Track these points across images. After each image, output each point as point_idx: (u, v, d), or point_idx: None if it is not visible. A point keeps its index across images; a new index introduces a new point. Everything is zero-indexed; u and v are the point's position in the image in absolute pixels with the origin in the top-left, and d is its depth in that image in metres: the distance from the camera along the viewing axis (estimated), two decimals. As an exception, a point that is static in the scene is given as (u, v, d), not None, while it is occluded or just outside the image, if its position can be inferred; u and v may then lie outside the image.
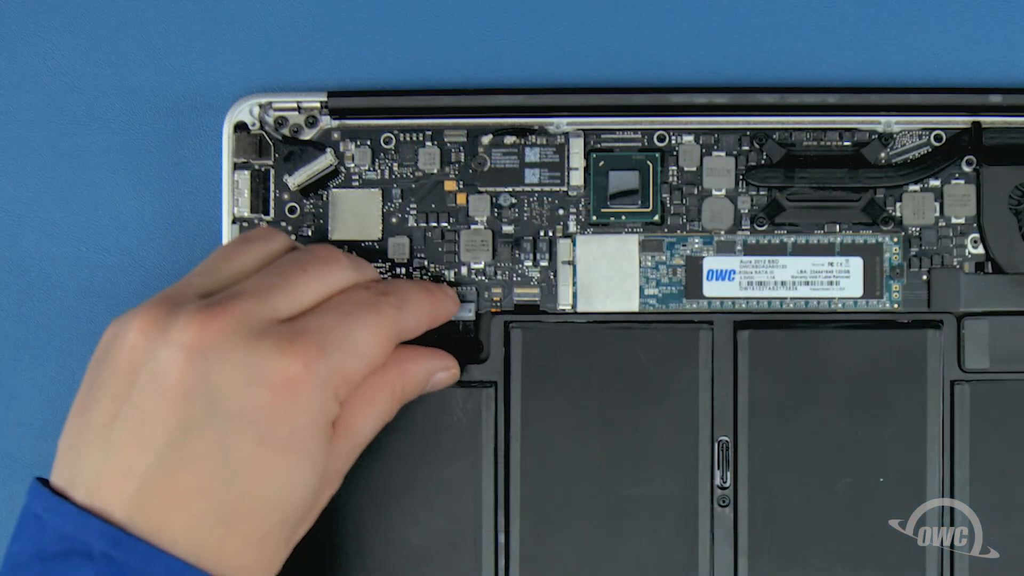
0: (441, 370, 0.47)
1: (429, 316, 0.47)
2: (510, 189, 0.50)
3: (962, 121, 0.49)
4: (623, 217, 0.50)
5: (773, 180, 0.49)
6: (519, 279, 0.50)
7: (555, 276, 0.50)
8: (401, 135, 0.50)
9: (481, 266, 0.50)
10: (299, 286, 0.44)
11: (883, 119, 0.49)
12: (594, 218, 0.50)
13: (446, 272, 0.50)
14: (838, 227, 0.49)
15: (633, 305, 0.50)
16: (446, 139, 0.50)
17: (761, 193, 0.50)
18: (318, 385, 0.42)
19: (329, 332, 0.43)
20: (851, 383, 0.49)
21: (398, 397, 0.46)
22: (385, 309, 0.45)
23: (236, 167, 0.50)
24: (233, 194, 0.50)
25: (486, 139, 0.50)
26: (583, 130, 0.50)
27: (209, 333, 0.41)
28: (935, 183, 0.49)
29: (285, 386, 0.42)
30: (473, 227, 0.50)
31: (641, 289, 0.50)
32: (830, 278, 0.49)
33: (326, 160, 0.50)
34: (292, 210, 0.50)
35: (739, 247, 0.50)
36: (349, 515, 0.49)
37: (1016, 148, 0.49)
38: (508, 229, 0.50)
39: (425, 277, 0.50)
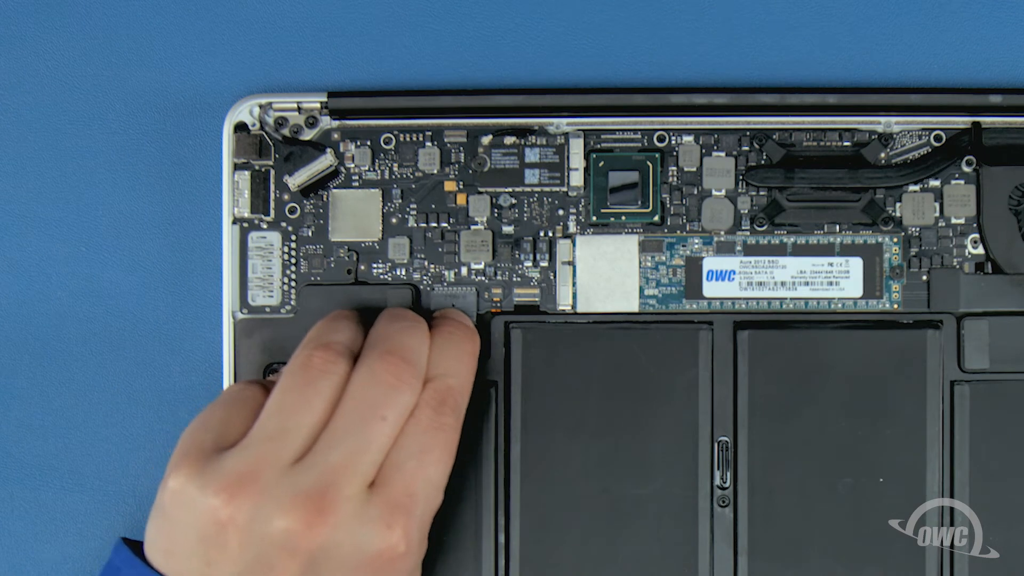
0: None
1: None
2: (510, 189, 0.50)
3: (962, 121, 0.49)
4: (623, 217, 0.50)
5: (773, 180, 0.49)
6: (519, 279, 0.50)
7: (555, 276, 0.50)
8: (401, 135, 0.50)
9: (481, 266, 0.50)
10: (380, 439, 0.44)
11: (883, 119, 0.49)
12: (594, 218, 0.50)
13: (446, 272, 0.50)
14: (838, 227, 0.49)
15: (633, 305, 0.50)
16: (446, 139, 0.50)
17: (761, 193, 0.50)
18: (416, 548, 0.45)
19: (413, 488, 0.44)
20: (851, 383, 0.49)
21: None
22: (447, 423, 0.46)
23: (236, 167, 0.50)
24: (233, 194, 0.50)
25: (486, 139, 0.50)
26: (583, 130, 0.50)
27: (318, 534, 0.43)
28: (935, 183, 0.49)
29: (389, 564, 0.44)
30: (473, 227, 0.50)
31: (641, 289, 0.50)
32: (830, 278, 0.49)
33: (326, 160, 0.50)
34: (292, 210, 0.50)
35: (739, 247, 0.50)
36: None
37: (1016, 148, 0.49)
38: (508, 229, 0.50)
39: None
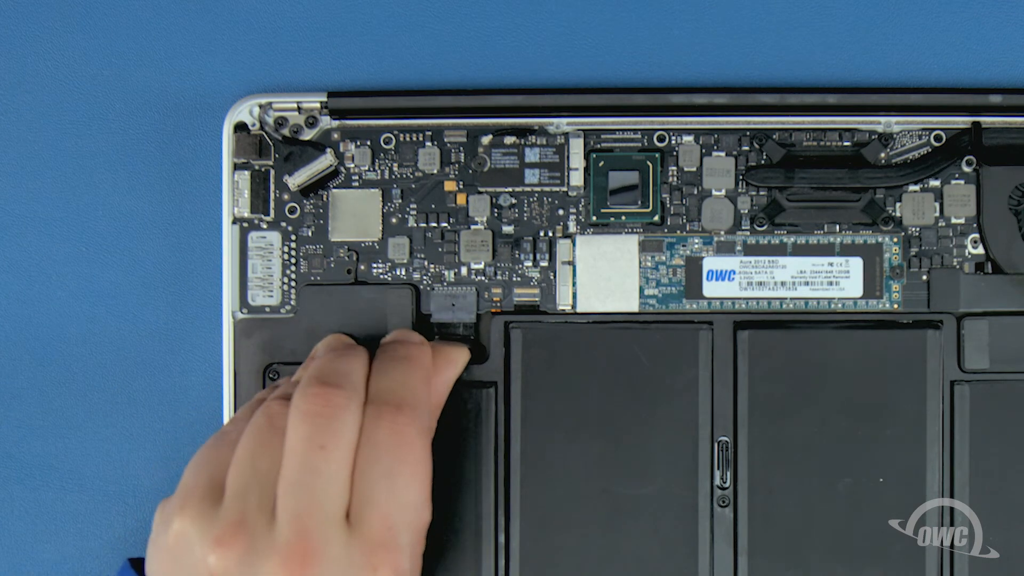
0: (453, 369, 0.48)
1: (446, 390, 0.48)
2: (510, 189, 0.50)
3: (962, 121, 0.49)
4: (623, 217, 0.50)
5: (773, 180, 0.49)
6: (519, 279, 0.50)
7: (555, 276, 0.50)
8: (401, 135, 0.50)
9: (481, 266, 0.50)
10: (329, 469, 0.43)
11: (883, 119, 0.49)
12: (594, 218, 0.50)
13: (446, 272, 0.50)
14: (838, 227, 0.49)
15: (633, 305, 0.50)
16: (446, 139, 0.50)
17: (761, 193, 0.50)
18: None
19: (390, 520, 0.44)
20: (851, 383, 0.49)
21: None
22: (407, 437, 0.45)
23: (236, 167, 0.50)
24: (233, 194, 0.50)
25: (486, 139, 0.50)
26: (583, 130, 0.50)
27: None
28: (935, 183, 0.49)
29: None
30: (473, 227, 0.50)
31: (641, 289, 0.50)
32: (830, 278, 0.49)
33: (326, 160, 0.50)
34: (292, 210, 0.50)
35: (739, 247, 0.50)
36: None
37: (1016, 148, 0.49)
38: (508, 229, 0.50)
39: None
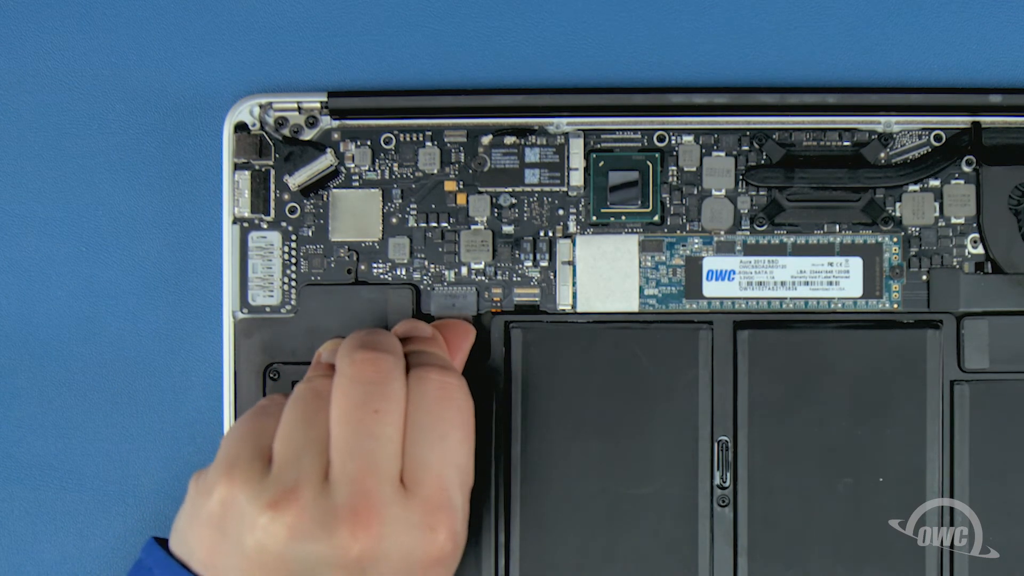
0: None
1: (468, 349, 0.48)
2: (510, 189, 0.50)
3: (962, 121, 0.49)
4: (623, 217, 0.50)
5: (773, 180, 0.49)
6: (519, 279, 0.50)
7: (555, 276, 0.50)
8: (401, 135, 0.50)
9: (481, 266, 0.50)
10: (384, 432, 0.44)
11: (883, 119, 0.49)
12: (594, 218, 0.50)
13: (446, 272, 0.50)
14: (838, 227, 0.49)
15: (633, 305, 0.50)
16: (446, 139, 0.50)
17: (761, 193, 0.50)
18: (463, 541, 0.45)
19: (445, 482, 0.44)
20: (851, 383, 0.49)
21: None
22: (456, 397, 0.45)
23: (236, 167, 0.50)
24: (233, 194, 0.50)
25: (486, 139, 0.50)
26: (583, 130, 0.50)
27: (365, 546, 0.43)
28: (935, 183, 0.49)
29: (439, 563, 0.44)
30: (473, 227, 0.50)
31: (641, 289, 0.50)
32: (830, 278, 0.49)
33: (326, 160, 0.50)
34: (292, 210, 0.50)
35: (739, 247, 0.50)
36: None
37: (1016, 148, 0.49)
38: (508, 229, 0.50)
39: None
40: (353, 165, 0.50)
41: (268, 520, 0.42)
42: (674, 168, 0.50)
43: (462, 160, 0.50)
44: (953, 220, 0.49)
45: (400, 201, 0.50)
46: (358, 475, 0.43)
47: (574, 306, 0.50)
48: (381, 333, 0.46)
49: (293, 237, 0.50)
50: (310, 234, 0.50)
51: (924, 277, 0.49)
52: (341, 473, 0.43)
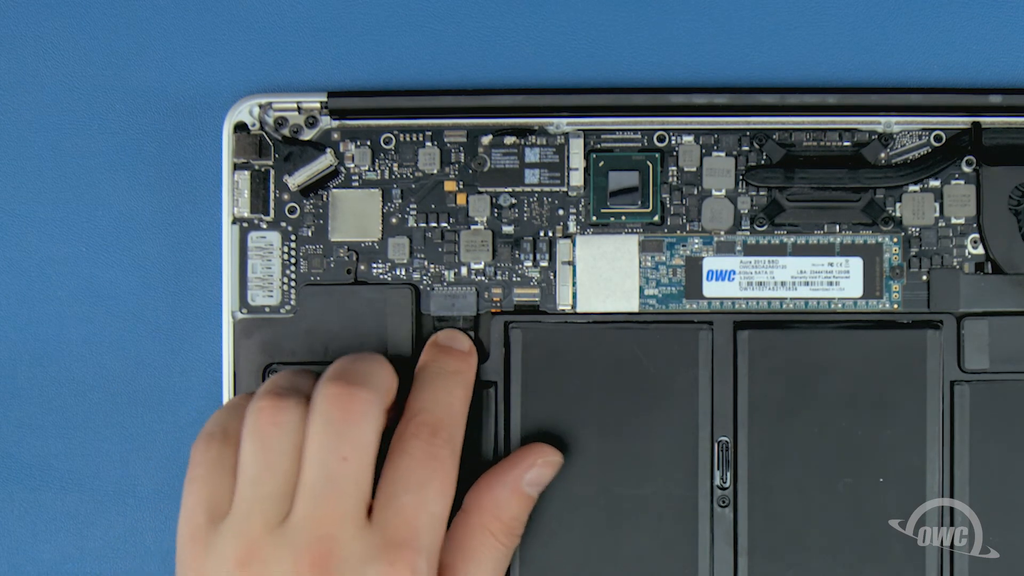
0: (530, 471, 0.48)
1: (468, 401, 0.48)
2: (510, 189, 0.50)
3: (962, 121, 0.49)
4: (623, 217, 0.50)
5: (773, 180, 0.49)
6: (519, 279, 0.50)
7: (555, 276, 0.50)
8: (401, 135, 0.50)
9: (481, 266, 0.50)
10: (352, 479, 0.43)
11: (883, 119, 0.49)
12: (594, 218, 0.50)
13: (446, 272, 0.50)
14: (838, 227, 0.49)
15: (633, 305, 0.50)
16: (446, 139, 0.50)
17: (761, 193, 0.50)
18: None
19: (414, 523, 0.44)
20: (851, 383, 0.49)
21: (504, 534, 0.47)
22: (442, 455, 0.45)
23: (236, 167, 0.50)
24: (233, 194, 0.50)
25: (486, 139, 0.50)
26: (583, 130, 0.50)
27: None
28: (935, 183, 0.49)
29: None
30: (473, 227, 0.50)
31: (641, 289, 0.50)
32: (830, 278, 0.49)
33: (326, 160, 0.50)
34: (292, 210, 0.50)
35: (739, 247, 0.50)
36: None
37: (1016, 148, 0.49)
38: (508, 229, 0.50)
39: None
40: (353, 165, 0.50)
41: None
42: (674, 168, 0.50)
43: (462, 160, 0.50)
44: (953, 220, 0.49)
45: (400, 201, 0.50)
46: (319, 520, 0.43)
47: (574, 306, 0.50)
48: (364, 358, 0.46)
49: (293, 237, 0.50)
50: (310, 234, 0.50)
51: (924, 277, 0.49)
52: (302, 516, 0.43)
